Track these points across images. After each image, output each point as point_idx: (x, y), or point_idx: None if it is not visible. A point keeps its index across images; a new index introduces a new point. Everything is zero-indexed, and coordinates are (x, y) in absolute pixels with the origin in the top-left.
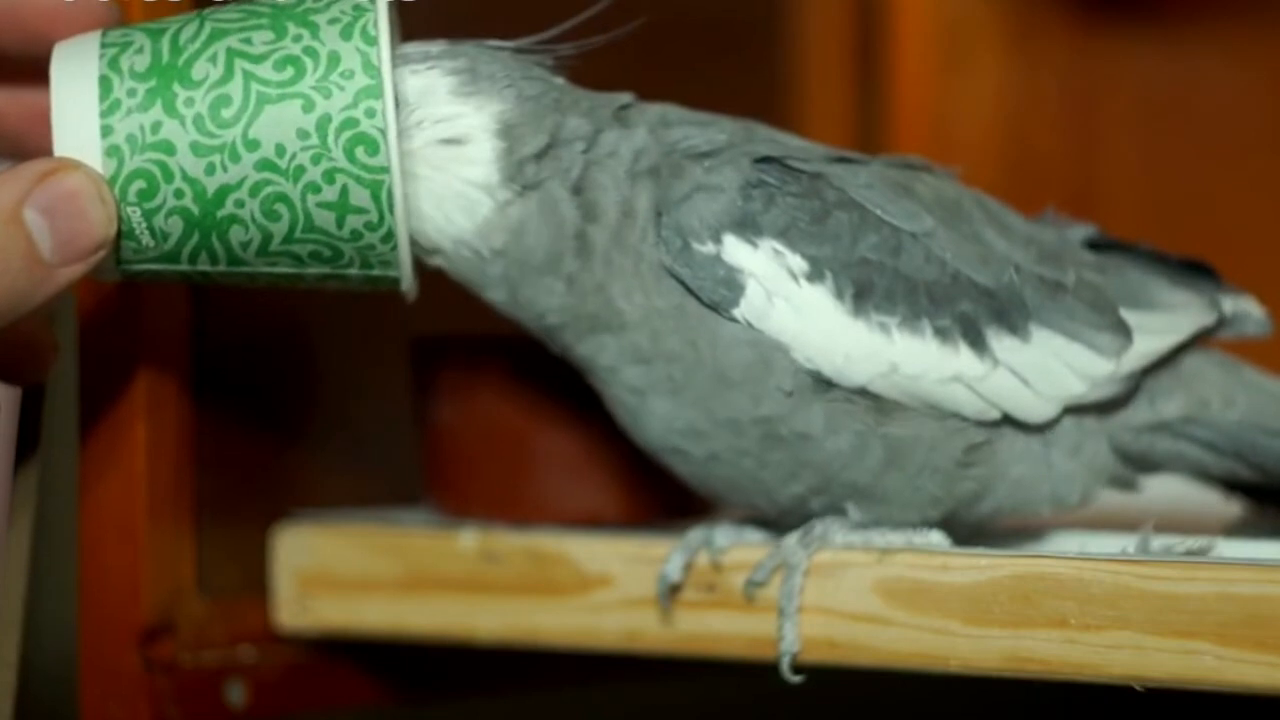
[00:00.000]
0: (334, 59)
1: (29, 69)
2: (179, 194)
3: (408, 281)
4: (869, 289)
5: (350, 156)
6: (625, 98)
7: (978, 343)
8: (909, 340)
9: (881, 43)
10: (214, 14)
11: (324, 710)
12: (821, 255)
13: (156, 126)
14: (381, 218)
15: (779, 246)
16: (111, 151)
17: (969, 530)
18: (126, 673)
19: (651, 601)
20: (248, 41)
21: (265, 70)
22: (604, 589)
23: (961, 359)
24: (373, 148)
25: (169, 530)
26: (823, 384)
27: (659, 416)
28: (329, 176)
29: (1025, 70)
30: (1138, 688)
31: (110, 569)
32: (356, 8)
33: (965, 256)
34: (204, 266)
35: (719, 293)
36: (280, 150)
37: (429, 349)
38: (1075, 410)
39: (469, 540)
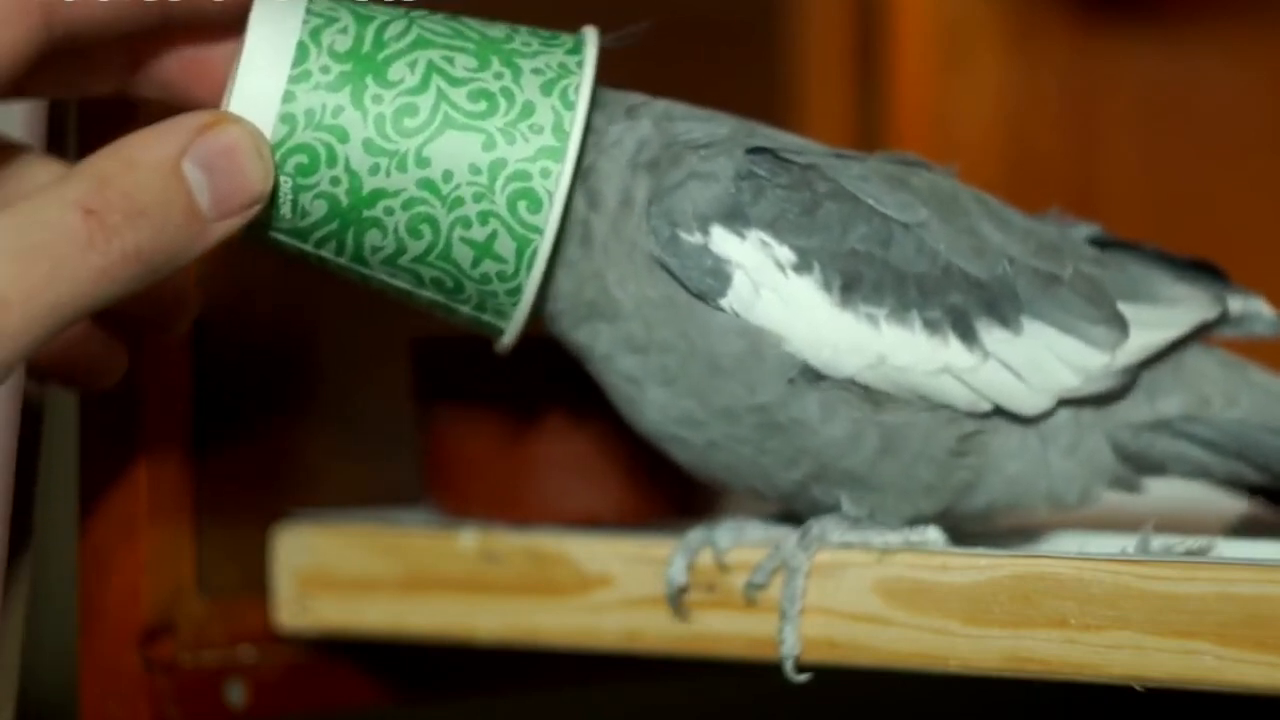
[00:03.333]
0: (528, 109)
1: (199, 25)
2: (335, 181)
3: (511, 338)
4: (857, 280)
5: (511, 206)
6: (637, 96)
7: (968, 335)
8: (897, 332)
9: (881, 43)
10: (423, 20)
11: (324, 710)
12: (809, 246)
13: (338, 111)
14: (516, 272)
15: (766, 238)
16: (286, 118)
17: (968, 527)
18: (126, 673)
19: (651, 601)
20: (450, 62)
21: (459, 96)
22: (604, 589)
23: (951, 351)
24: (535, 205)
25: (169, 530)
26: (814, 372)
27: (656, 405)
28: (483, 217)
29: (1025, 70)
30: (1138, 688)
31: (110, 569)
32: (562, 66)
33: (958, 248)
34: (326, 253)
35: (706, 283)
36: (447, 176)
37: (429, 349)
38: (1072, 405)
39: (469, 540)
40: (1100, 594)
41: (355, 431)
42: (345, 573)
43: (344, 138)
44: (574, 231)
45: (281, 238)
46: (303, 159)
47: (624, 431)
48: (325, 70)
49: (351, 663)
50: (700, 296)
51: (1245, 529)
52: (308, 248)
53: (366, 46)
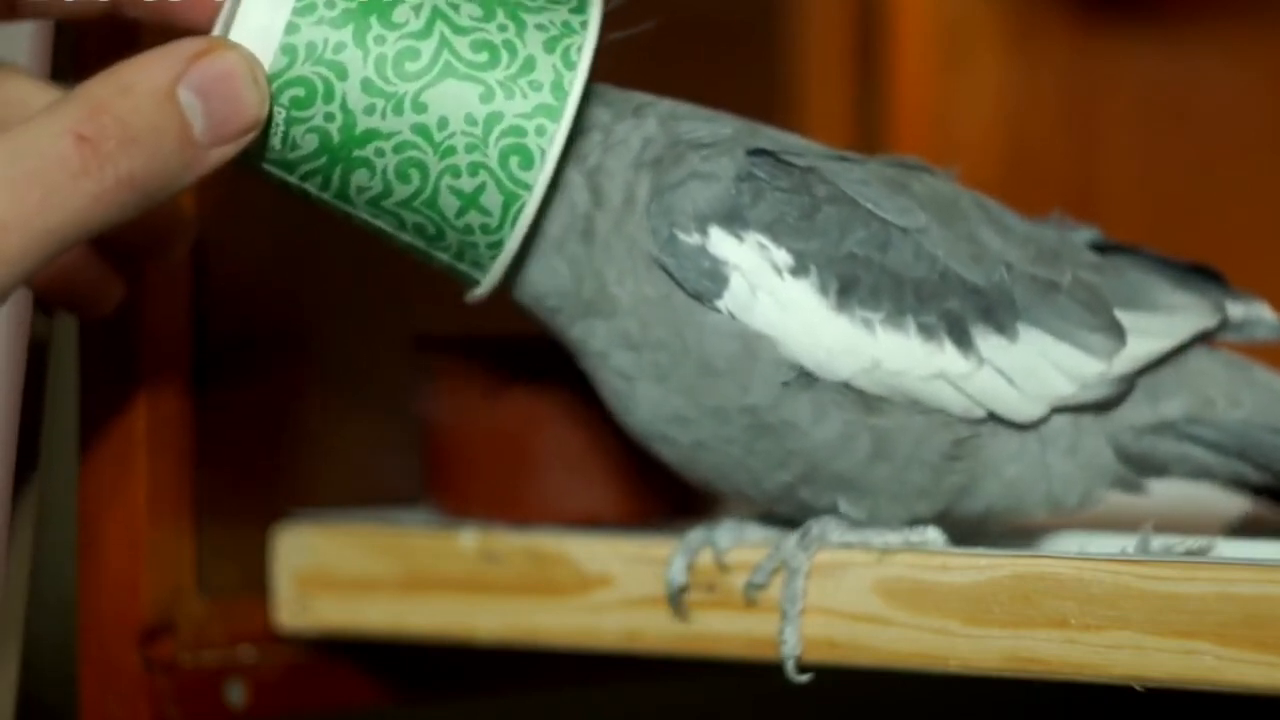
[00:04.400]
0: (529, 64)
1: None
2: (329, 117)
3: (485, 289)
4: (854, 284)
5: (503, 160)
6: (644, 96)
7: (963, 341)
8: (892, 337)
9: (881, 43)
10: None
11: (324, 710)
12: (807, 250)
13: (340, 47)
14: (500, 225)
15: (764, 240)
16: (287, 49)
17: (967, 530)
18: (126, 673)
19: (651, 601)
20: (455, 9)
21: (462, 45)
22: (604, 589)
23: (946, 357)
24: (527, 162)
25: (169, 530)
26: (808, 375)
27: (647, 403)
28: (474, 169)
29: (1025, 70)
30: (1138, 688)
31: (110, 569)
32: (566, 25)
33: (957, 254)
34: (311, 187)
35: (702, 284)
36: (442, 124)
37: (430, 349)
38: (1071, 410)
39: (469, 540)
40: (1100, 594)
41: (355, 431)
42: (345, 573)
43: (343, 75)
44: (577, 227)
45: (268, 167)
46: (299, 92)
47: (624, 431)
48: (330, 5)
49: (351, 663)
50: (697, 297)
51: (1245, 529)
52: (293, 180)
53: None
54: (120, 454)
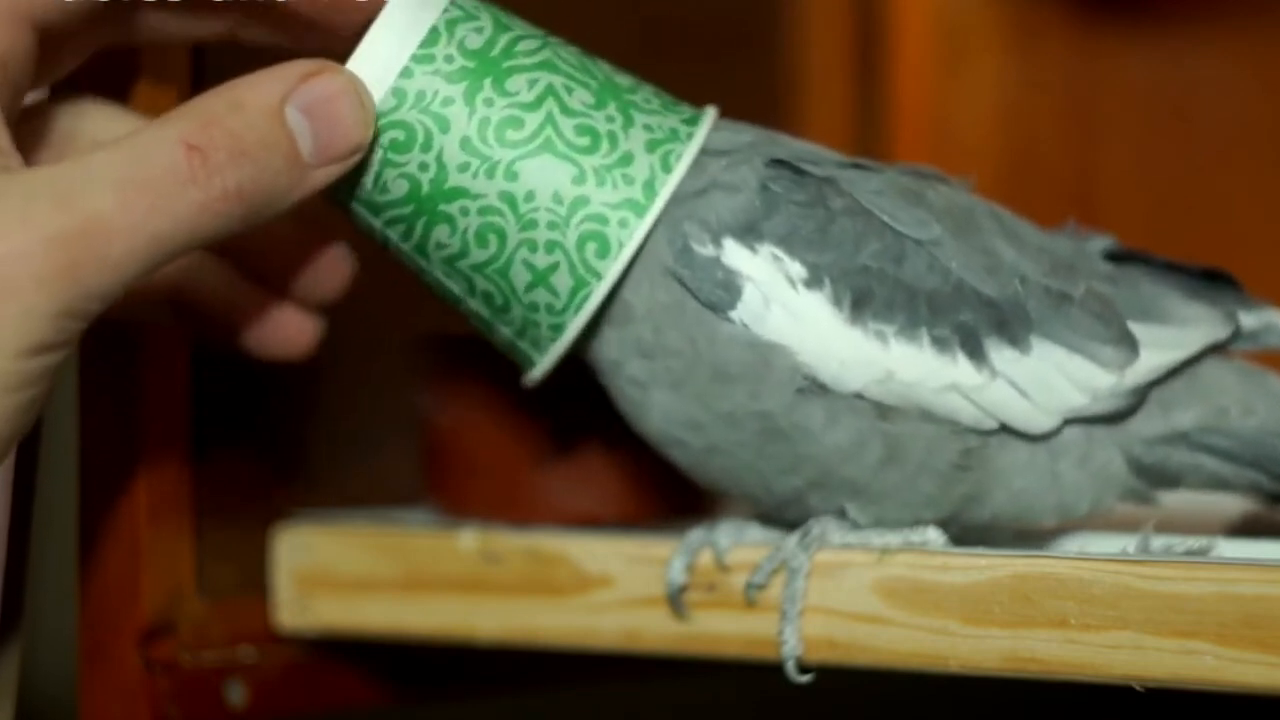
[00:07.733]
0: (627, 158)
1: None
2: (423, 167)
3: (540, 373)
4: (868, 297)
5: (580, 244)
6: None
7: (976, 353)
8: (906, 349)
9: (881, 43)
10: (558, 47)
11: (324, 710)
12: (821, 262)
13: (448, 101)
14: (565, 309)
15: (779, 252)
16: (398, 92)
17: (973, 536)
18: (126, 673)
19: (651, 601)
20: (569, 91)
21: (567, 125)
22: (604, 589)
23: (959, 369)
24: (604, 251)
25: (169, 530)
26: (821, 385)
27: (660, 409)
28: (550, 246)
29: (1025, 70)
30: (1138, 688)
31: (110, 569)
32: (672, 132)
33: (971, 266)
34: (393, 234)
35: (716, 294)
36: (530, 197)
37: (430, 349)
38: (1083, 421)
39: (469, 540)
40: (1100, 594)
41: (355, 431)
42: (345, 573)
43: (445, 128)
44: None
45: (357, 207)
46: (400, 135)
47: (625, 432)
48: (449, 60)
49: (351, 663)
50: (710, 307)
51: (1245, 529)
52: (377, 224)
53: (495, 51)
54: (120, 455)
